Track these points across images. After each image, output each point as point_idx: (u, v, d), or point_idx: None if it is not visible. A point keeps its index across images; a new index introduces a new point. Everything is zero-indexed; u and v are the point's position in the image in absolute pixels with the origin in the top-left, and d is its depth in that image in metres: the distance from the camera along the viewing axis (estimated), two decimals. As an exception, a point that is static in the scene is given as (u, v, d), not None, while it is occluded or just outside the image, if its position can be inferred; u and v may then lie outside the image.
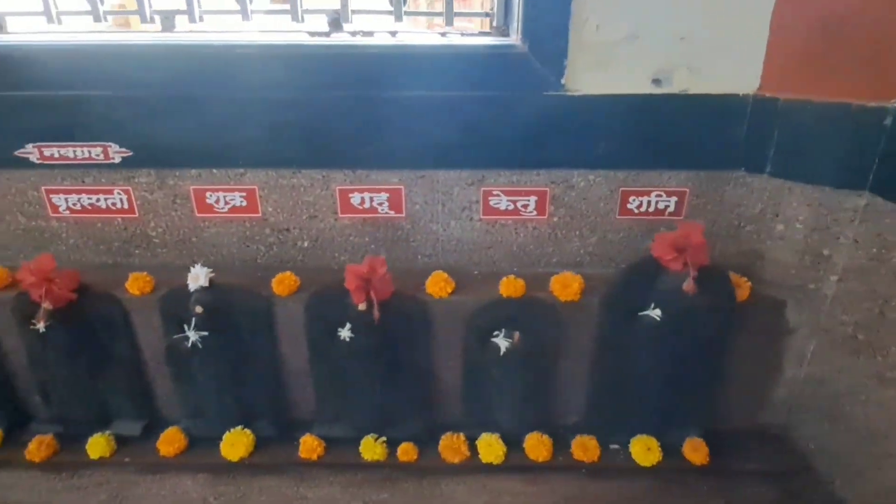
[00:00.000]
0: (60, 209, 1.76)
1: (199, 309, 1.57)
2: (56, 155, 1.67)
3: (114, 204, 1.75)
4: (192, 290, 1.59)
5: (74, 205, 1.75)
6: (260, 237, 1.80)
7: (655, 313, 1.55)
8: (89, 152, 1.67)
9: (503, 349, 1.60)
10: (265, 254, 1.82)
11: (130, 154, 1.67)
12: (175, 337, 1.59)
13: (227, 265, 1.80)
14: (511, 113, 1.61)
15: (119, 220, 1.78)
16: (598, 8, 1.50)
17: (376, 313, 1.54)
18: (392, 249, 1.81)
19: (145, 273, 1.69)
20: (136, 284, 1.65)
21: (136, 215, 1.77)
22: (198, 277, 1.59)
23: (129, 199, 1.74)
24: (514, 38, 1.60)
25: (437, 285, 1.65)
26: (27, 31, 1.73)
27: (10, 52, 1.62)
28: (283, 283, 1.65)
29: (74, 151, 1.67)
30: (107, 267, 1.83)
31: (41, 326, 1.59)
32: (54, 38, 1.69)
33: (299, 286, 1.67)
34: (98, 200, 1.75)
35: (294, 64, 1.63)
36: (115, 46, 1.64)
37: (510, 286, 1.63)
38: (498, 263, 1.82)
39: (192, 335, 1.59)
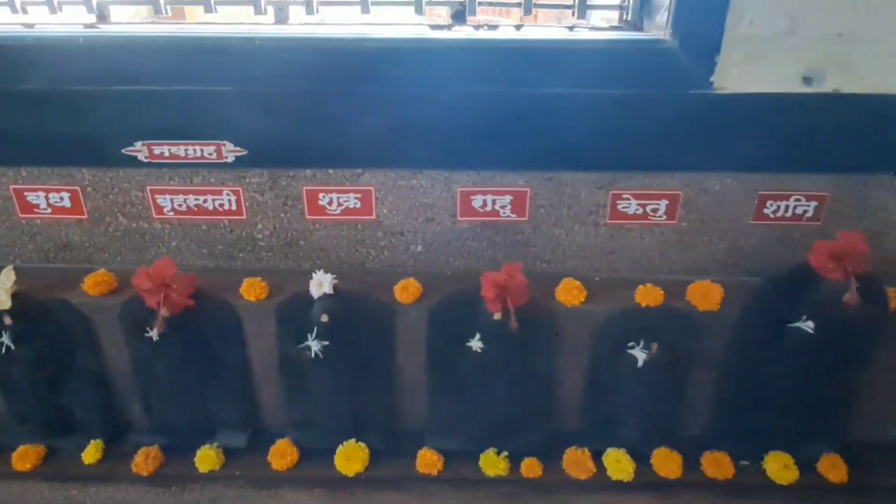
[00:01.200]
0: (165, 210, 1.68)
1: (324, 317, 1.48)
2: (166, 153, 1.59)
3: (221, 205, 1.67)
4: (315, 297, 1.51)
5: (180, 206, 1.67)
6: (371, 241, 1.72)
7: (808, 325, 1.47)
8: (202, 151, 1.58)
9: (640, 361, 1.53)
10: (375, 258, 1.74)
11: (244, 153, 1.58)
12: (299, 346, 1.51)
13: (334, 269, 1.71)
14: (650, 112, 1.52)
15: (225, 221, 1.69)
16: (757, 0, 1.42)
17: (514, 323, 1.46)
18: (510, 254, 1.72)
19: (259, 278, 1.61)
20: (253, 290, 1.57)
21: (244, 217, 1.68)
22: (321, 284, 1.51)
23: (238, 201, 1.66)
24: (662, 33, 1.51)
25: (570, 293, 1.57)
26: (135, 22, 1.65)
27: (120, 43, 1.53)
28: (406, 290, 1.57)
29: (186, 150, 1.58)
30: (208, 271, 1.74)
31: (155, 334, 1.51)
32: (166, 28, 1.60)
33: (421, 293, 1.59)
34: (205, 201, 1.66)
35: (415, 59, 1.55)
36: (230, 39, 1.55)
37: (648, 295, 1.55)
38: (619, 270, 1.73)
39: (315, 345, 1.51)
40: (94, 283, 1.59)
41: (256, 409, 1.73)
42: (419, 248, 1.72)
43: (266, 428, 1.74)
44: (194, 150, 1.58)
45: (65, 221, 1.70)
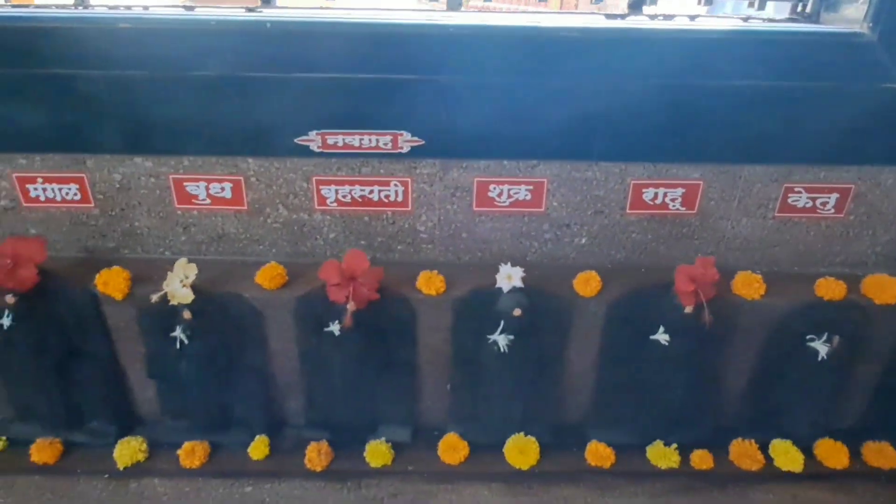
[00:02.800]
0: (328, 201, 1.63)
1: (517, 311, 1.47)
2: (340, 143, 1.54)
3: (387, 196, 1.63)
4: (505, 290, 1.49)
5: (344, 197, 1.63)
6: (536, 233, 1.69)
7: None
8: (377, 141, 1.54)
9: (822, 354, 1.54)
10: (537, 251, 1.72)
11: (421, 143, 1.55)
12: (490, 339, 1.49)
13: (494, 262, 1.69)
14: (835, 105, 1.52)
15: (389, 213, 1.66)
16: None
17: (708, 317, 1.46)
18: (672, 247, 1.71)
19: (435, 272, 1.58)
20: (432, 284, 1.54)
21: (409, 209, 1.65)
22: (511, 277, 1.49)
23: (405, 192, 1.62)
24: (859, 26, 1.50)
25: (750, 286, 1.57)
26: (309, 7, 1.59)
27: (297, 29, 1.48)
28: (588, 283, 1.55)
29: (361, 140, 1.54)
30: (364, 263, 1.72)
31: (336, 329, 1.48)
32: (351, 16, 1.55)
33: (602, 287, 1.58)
34: (371, 192, 1.62)
35: (593, 49, 1.52)
36: (421, 27, 1.51)
37: (829, 288, 1.56)
38: (780, 263, 1.73)
39: (502, 339, 1.49)
40: (269, 277, 1.54)
41: (419, 403, 1.71)
42: (583, 240, 1.71)
43: (426, 422, 1.73)
44: (370, 139, 1.54)
45: (222, 212, 1.65)
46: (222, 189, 1.62)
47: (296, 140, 1.54)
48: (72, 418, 1.63)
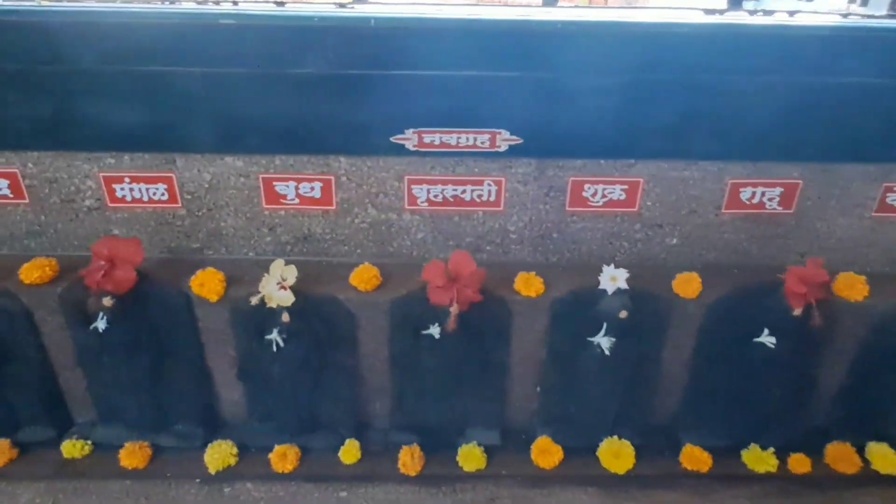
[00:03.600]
0: (419, 201, 1.60)
1: (623, 313, 1.44)
2: (437, 142, 1.51)
3: (480, 196, 1.60)
4: (609, 291, 1.47)
5: (436, 196, 1.60)
6: (626, 233, 1.67)
7: None
8: (475, 139, 1.51)
9: (929, 356, 1.51)
10: (627, 251, 1.69)
11: (519, 142, 1.52)
12: (594, 341, 1.46)
13: (582, 263, 1.67)
14: (941, 102, 1.50)
15: (480, 213, 1.63)
16: None
17: (818, 319, 1.43)
18: (764, 247, 1.69)
19: (533, 273, 1.55)
20: (531, 285, 1.51)
21: (500, 208, 1.62)
22: (615, 278, 1.46)
23: (498, 191, 1.59)
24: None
25: (853, 287, 1.54)
26: (403, 2, 1.56)
27: (401, 26, 1.44)
28: (689, 283, 1.53)
29: (458, 138, 1.51)
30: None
31: (437, 332, 1.46)
32: (444, 11, 1.52)
33: (702, 288, 1.55)
34: (463, 192, 1.59)
35: (693, 45, 1.49)
36: (512, 23, 1.48)
37: (935, 289, 1.54)
38: (872, 263, 1.70)
39: (605, 342, 1.46)
40: (364, 279, 1.51)
41: (506, 406, 1.69)
42: (674, 241, 1.68)
43: (515, 425, 1.71)
44: (467, 138, 1.51)
45: (310, 212, 1.62)
46: (312, 188, 1.59)
47: (391, 138, 1.51)
48: (159, 421, 1.61)
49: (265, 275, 1.46)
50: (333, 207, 1.62)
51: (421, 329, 1.48)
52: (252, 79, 1.44)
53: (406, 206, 1.62)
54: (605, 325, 1.46)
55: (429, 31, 1.43)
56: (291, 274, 1.43)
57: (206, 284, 1.48)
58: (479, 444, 1.64)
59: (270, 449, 1.59)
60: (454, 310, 1.42)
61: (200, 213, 1.62)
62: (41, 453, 1.60)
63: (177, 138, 1.52)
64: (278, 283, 1.44)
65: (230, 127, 1.51)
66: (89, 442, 1.61)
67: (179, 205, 1.61)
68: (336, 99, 1.47)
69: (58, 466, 1.57)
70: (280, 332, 1.47)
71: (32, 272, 1.49)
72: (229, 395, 1.66)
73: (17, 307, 1.50)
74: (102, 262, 1.44)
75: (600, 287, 1.47)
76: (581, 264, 1.66)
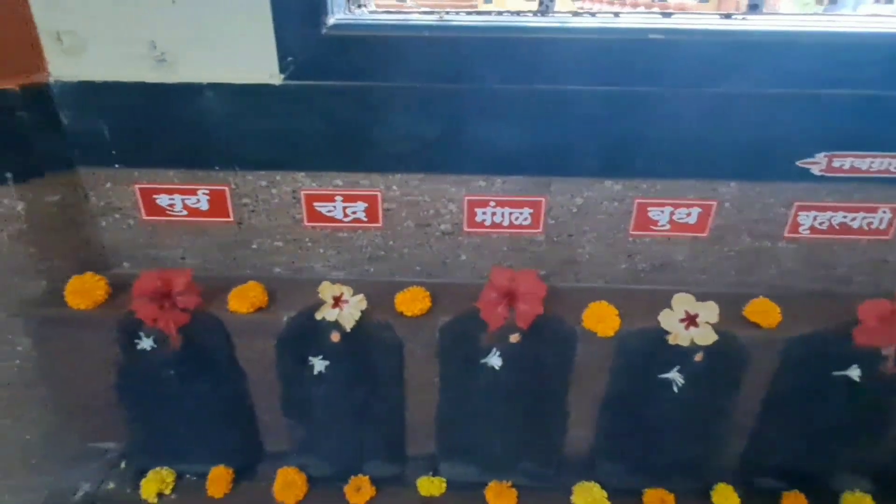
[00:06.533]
0: (800, 228, 1.48)
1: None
2: (846, 166, 1.38)
3: (870, 224, 1.46)
4: None
5: (821, 224, 1.47)
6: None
7: None
8: (889, 164, 1.39)
9: None
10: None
11: (938, 166, 1.39)
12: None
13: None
14: None
15: (864, 241, 1.49)
16: None
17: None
18: None
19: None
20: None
21: (889, 237, 1.49)
22: None
23: (892, 218, 1.46)
24: None
25: None
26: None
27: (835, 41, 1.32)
28: None
29: (871, 163, 1.38)
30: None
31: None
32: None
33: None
34: (853, 219, 1.46)
35: None
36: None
37: None
38: None
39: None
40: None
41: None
42: None
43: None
44: (881, 162, 1.39)
45: (677, 239, 1.51)
46: (689, 214, 1.48)
47: (798, 162, 1.40)
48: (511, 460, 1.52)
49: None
50: (706, 234, 1.51)
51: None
52: (662, 98, 1.34)
53: (786, 234, 1.50)
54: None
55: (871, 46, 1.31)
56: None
57: (597, 318, 1.38)
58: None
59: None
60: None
61: (559, 239, 1.53)
62: (396, 489, 1.53)
63: (559, 161, 1.42)
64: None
65: (616, 149, 1.41)
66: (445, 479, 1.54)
67: (540, 230, 1.52)
68: (737, 120, 1.35)
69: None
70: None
71: (413, 304, 1.41)
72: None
73: (393, 338, 1.43)
74: (495, 295, 1.36)
75: None
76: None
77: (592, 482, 1.49)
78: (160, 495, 1.49)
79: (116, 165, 1.47)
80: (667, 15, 1.44)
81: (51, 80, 1.36)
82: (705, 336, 1.31)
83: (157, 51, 1.34)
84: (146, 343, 1.40)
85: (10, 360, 1.47)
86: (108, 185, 1.49)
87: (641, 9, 2.01)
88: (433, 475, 1.53)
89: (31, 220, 1.39)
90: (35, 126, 1.36)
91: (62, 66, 1.36)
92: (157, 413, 1.53)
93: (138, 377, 1.47)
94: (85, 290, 1.41)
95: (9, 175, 1.33)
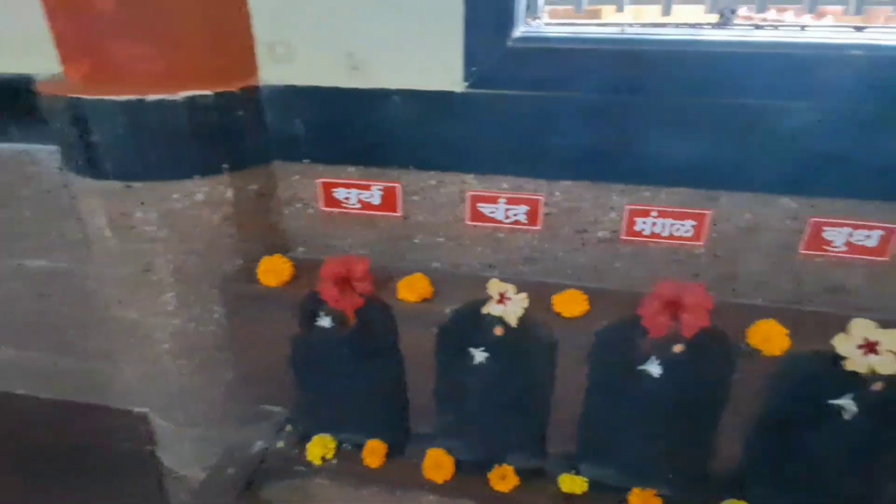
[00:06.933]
0: None
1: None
2: None
3: None
4: None
5: None
6: None
7: None
8: None
9: None
10: None
11: None
12: None
13: None
14: None
15: None
16: None
17: None
18: None
19: None
20: None
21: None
22: None
23: None
24: None
25: None
26: None
27: None
28: None
29: None
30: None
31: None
32: None
33: None
34: None
35: None
36: None
37: None
38: None
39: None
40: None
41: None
42: None
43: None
44: None
45: (852, 262, 1.45)
46: (868, 236, 1.42)
47: None
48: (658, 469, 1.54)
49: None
50: (886, 258, 1.43)
51: None
52: (855, 114, 1.29)
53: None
54: None
55: None
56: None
57: (771, 338, 1.35)
58: None
59: None
60: None
61: (721, 254, 1.52)
62: (539, 482, 1.59)
63: (731, 174, 1.41)
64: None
65: (795, 166, 1.37)
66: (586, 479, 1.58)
67: (701, 242, 1.51)
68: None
69: (555, 499, 1.56)
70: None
71: (572, 306, 1.46)
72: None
73: (548, 337, 1.48)
74: (658, 304, 1.38)
75: None
76: None
77: (742, 502, 1.46)
78: (323, 459, 1.65)
79: (305, 161, 1.64)
80: (859, 29, 1.38)
81: (261, 84, 1.55)
82: (887, 365, 1.25)
83: (353, 59, 1.48)
84: (325, 321, 1.55)
85: (208, 326, 1.70)
86: (296, 177, 1.67)
87: (829, 19, 1.95)
88: (575, 473, 1.57)
89: (237, 205, 1.59)
90: (246, 124, 1.55)
91: (271, 72, 1.54)
92: (323, 385, 1.69)
93: (312, 351, 1.63)
94: (275, 270, 1.59)
95: (225, 166, 1.54)
